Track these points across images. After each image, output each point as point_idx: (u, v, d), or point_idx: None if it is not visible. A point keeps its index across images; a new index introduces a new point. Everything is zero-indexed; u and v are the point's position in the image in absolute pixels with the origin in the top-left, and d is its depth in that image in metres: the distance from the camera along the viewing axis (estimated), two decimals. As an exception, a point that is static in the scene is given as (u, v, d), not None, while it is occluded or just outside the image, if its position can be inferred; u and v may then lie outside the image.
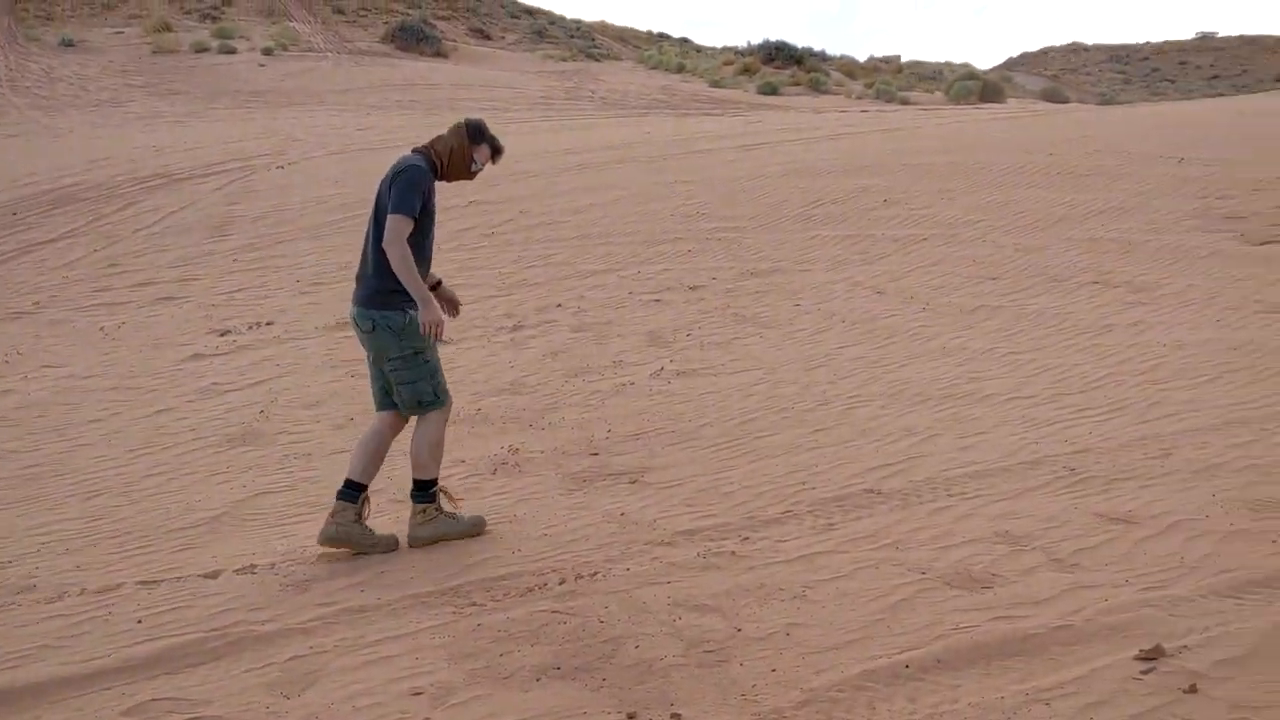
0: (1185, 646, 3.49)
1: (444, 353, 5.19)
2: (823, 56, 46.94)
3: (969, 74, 44.47)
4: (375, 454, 4.93)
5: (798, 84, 38.11)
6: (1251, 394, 6.02)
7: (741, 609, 4.05)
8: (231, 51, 36.97)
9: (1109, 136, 15.88)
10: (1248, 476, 4.88)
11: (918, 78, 46.87)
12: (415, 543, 4.86)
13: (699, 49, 57.38)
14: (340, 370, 7.89)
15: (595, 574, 4.43)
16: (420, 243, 4.75)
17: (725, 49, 52.22)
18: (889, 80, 39.99)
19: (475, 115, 5.25)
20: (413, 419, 4.95)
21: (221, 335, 9.09)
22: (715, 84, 38.20)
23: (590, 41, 52.96)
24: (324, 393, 7.43)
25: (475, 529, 4.94)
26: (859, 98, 35.74)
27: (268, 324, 9.33)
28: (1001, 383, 6.64)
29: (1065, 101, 41.65)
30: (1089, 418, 5.89)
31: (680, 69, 43.31)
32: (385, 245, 4.63)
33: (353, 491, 4.85)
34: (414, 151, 4.89)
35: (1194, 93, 60.94)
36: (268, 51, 37.19)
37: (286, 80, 32.85)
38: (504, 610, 4.17)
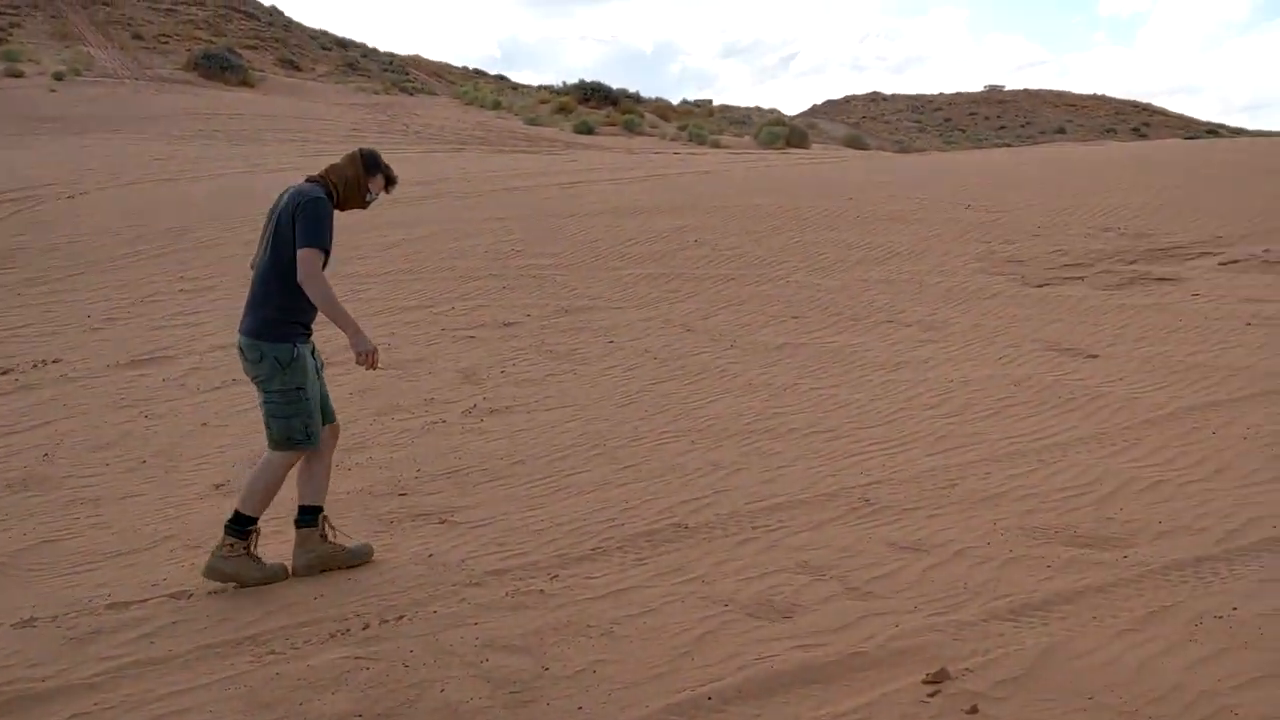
0: (968, 669, 3.68)
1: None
2: (637, 98, 47.80)
3: (777, 120, 46.12)
4: (320, 473, 4.95)
5: (613, 124, 38.67)
6: (1031, 426, 6.42)
7: (550, 648, 4.06)
8: (19, 75, 34.98)
9: (904, 182, 16.72)
10: (1026, 505, 5.20)
11: (729, 122, 48.29)
12: (212, 574, 4.71)
13: (515, 87, 57.61)
14: (133, 410, 7.54)
15: (401, 618, 4.36)
16: None
17: (541, 88, 52.56)
18: (701, 123, 40.99)
19: (327, 145, 5.26)
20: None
21: (2, 374, 8.55)
22: (531, 122, 38.37)
23: (404, 75, 52.47)
24: (115, 434, 7.08)
25: (274, 577, 4.81)
26: (672, 139, 36.50)
27: (54, 362, 8.84)
28: (803, 417, 6.87)
29: (866, 148, 43.57)
30: (883, 450, 6.16)
31: (496, 106, 43.39)
32: (303, 281, 4.58)
33: (309, 516, 4.90)
34: (309, 181, 4.83)
35: (983, 141, 64.79)
36: (59, 76, 35.35)
37: (79, 106, 31.28)
38: (304, 658, 4.05)
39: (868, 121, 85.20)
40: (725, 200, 14.84)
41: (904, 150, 49.49)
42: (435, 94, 48.05)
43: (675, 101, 53.85)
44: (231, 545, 4.72)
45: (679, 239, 12.39)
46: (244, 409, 7.23)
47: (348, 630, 4.26)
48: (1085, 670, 3.66)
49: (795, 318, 9.47)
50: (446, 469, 6.19)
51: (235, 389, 7.73)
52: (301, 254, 4.59)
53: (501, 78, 62.38)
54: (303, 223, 4.61)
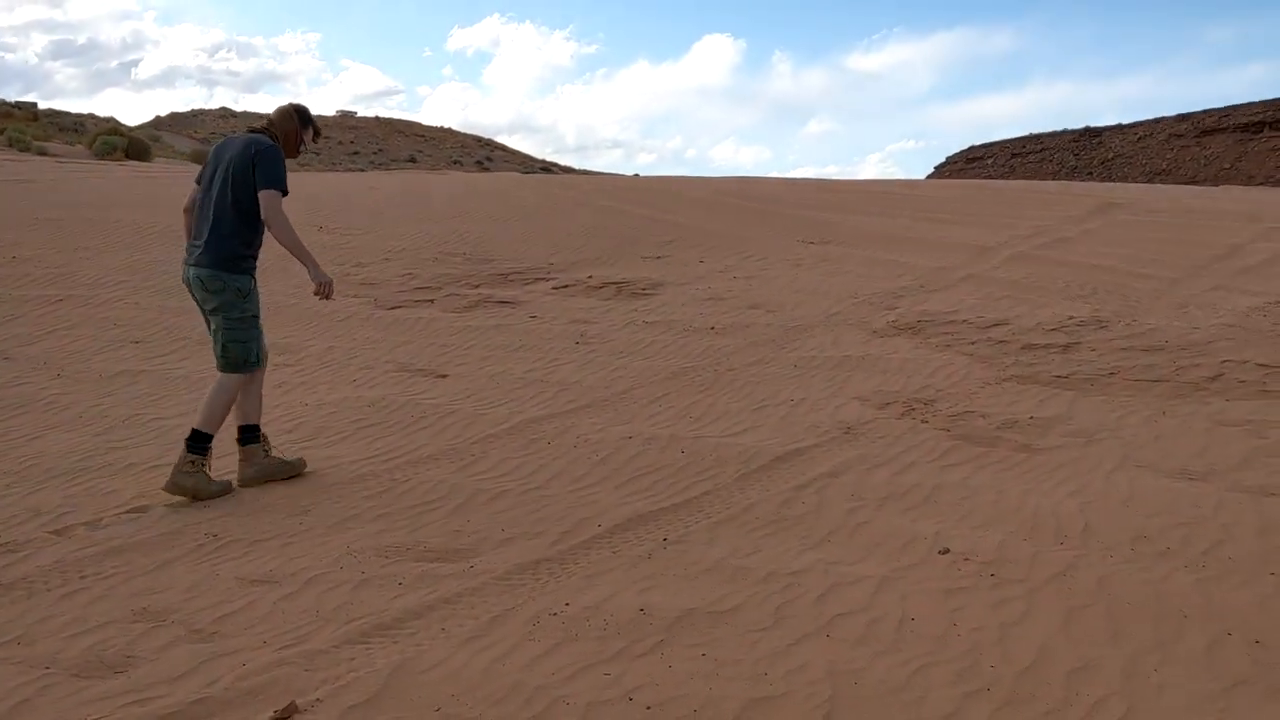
0: (319, 699, 3.57)
1: None
2: (-60, 94, 41.63)
3: (114, 129, 42.73)
4: (256, 394, 5.73)
5: (-93, 121, 33.33)
6: (384, 447, 6.49)
7: None
8: None
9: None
10: (379, 525, 5.22)
11: (57, 128, 43.94)
12: (173, 489, 5.33)
13: None
14: None
15: None
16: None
17: None
18: (23, 128, 36.75)
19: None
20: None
21: None
22: None
23: None
24: None
25: (225, 489, 5.49)
26: (-13, 143, 32.33)
27: None
28: (143, 451, 6.35)
29: (217, 165, 41.86)
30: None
31: None
32: (269, 219, 5.28)
33: (251, 433, 5.68)
34: (254, 132, 5.38)
35: (337, 165, 65.38)
36: None
37: None
38: None
39: (218, 138, 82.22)
40: (48, 213, 13.39)
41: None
42: None
43: (-10, 101, 47.74)
44: (193, 462, 5.35)
45: (-6, 255, 10.92)
46: None
47: None
48: (434, 682, 3.72)
49: (136, 343, 8.76)
50: None
51: None
52: (266, 194, 5.23)
53: None
54: (264, 167, 5.23)
